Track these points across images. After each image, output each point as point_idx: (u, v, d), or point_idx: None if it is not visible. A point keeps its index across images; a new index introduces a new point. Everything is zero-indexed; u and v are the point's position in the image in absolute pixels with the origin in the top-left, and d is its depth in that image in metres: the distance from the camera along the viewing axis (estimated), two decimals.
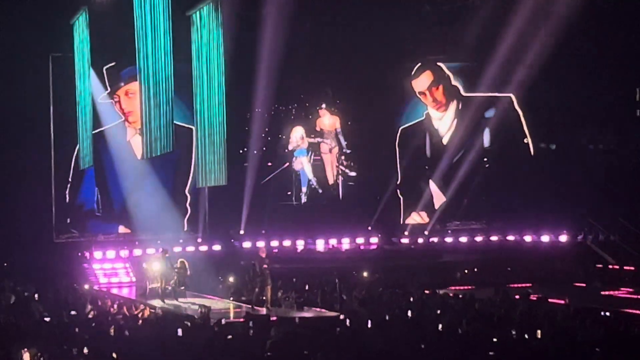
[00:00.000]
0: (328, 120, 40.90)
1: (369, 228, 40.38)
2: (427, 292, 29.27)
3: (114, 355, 18.23)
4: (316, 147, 40.84)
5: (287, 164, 40.38)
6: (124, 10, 29.63)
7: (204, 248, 36.96)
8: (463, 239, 40.13)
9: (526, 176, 40.39)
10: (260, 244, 35.64)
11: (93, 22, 31.84)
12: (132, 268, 35.76)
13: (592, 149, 40.14)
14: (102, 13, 32.63)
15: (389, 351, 18.07)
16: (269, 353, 18.17)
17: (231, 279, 31.44)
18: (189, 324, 23.52)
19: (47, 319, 23.88)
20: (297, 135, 40.59)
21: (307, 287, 30.90)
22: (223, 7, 26.97)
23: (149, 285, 31.23)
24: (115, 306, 26.83)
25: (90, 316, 24.83)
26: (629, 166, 39.72)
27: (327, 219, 40.05)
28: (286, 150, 40.52)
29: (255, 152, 39.62)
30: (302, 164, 40.62)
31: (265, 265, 28.02)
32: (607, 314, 24.13)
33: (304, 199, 40.55)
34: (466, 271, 35.95)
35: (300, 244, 39.17)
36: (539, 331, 19.47)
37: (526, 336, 19.56)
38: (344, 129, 40.99)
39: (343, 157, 41.08)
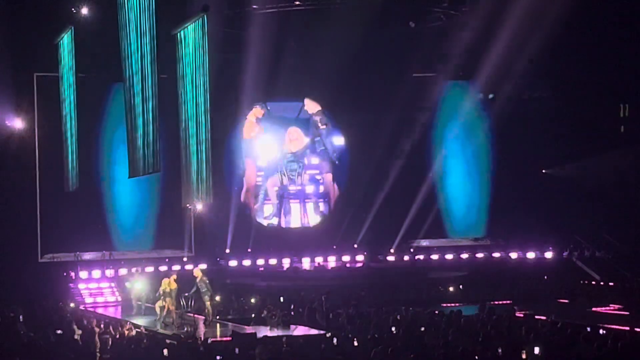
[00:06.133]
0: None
1: (355, 246, 40.43)
2: (412, 309, 29.24)
3: None
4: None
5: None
6: (110, 30, 29.63)
7: (189, 267, 36.86)
8: (449, 256, 40.18)
9: (512, 194, 40.48)
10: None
11: (78, 42, 31.82)
12: (117, 287, 35.68)
13: (577, 166, 40.20)
14: (87, 33, 32.60)
15: None
16: None
17: (217, 298, 31.35)
18: (175, 343, 23.46)
19: (33, 339, 23.77)
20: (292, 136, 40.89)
21: (292, 306, 30.85)
22: (208, 26, 26.96)
23: (136, 302, 31.50)
24: (102, 326, 26.71)
25: (76, 336, 24.72)
26: (614, 182, 39.84)
27: (313, 236, 40.23)
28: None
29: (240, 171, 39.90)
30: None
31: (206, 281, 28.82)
32: (593, 329, 24.16)
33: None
34: (451, 288, 35.94)
35: (286, 262, 39.17)
36: (523, 352, 19.46)
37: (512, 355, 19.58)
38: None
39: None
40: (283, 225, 40.83)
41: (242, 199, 40.38)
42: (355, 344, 21.74)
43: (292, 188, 40.97)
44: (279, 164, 40.84)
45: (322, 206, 41.21)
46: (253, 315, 29.49)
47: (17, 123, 36.41)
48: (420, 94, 40.54)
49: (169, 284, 29.53)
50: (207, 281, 28.93)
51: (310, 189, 41.26)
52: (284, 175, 40.79)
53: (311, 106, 40.88)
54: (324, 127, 41.00)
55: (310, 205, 41.27)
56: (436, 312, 28.01)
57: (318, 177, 41.53)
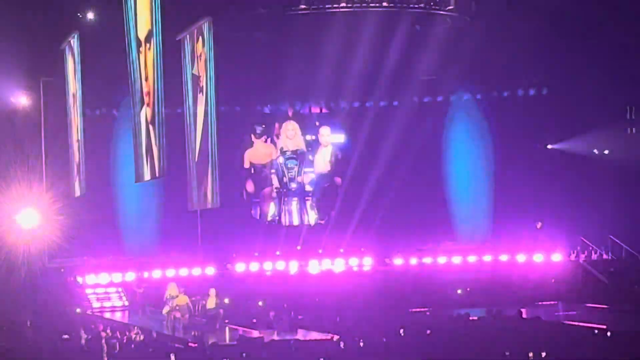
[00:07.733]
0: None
1: (362, 249, 40.34)
2: (419, 312, 29.24)
3: None
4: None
5: None
6: (115, 35, 29.70)
7: (197, 271, 36.84)
8: (456, 260, 40.03)
9: (519, 195, 40.38)
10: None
11: (84, 47, 31.88)
12: (125, 292, 35.66)
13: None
14: (93, 37, 32.67)
15: None
16: None
17: (226, 300, 31.40)
18: (182, 347, 23.49)
19: (40, 344, 23.81)
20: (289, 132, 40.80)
21: (292, 313, 30.77)
22: (213, 30, 27.01)
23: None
24: (108, 330, 26.76)
25: (83, 341, 24.75)
26: (621, 184, 39.71)
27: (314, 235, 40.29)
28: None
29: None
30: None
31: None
32: (601, 332, 24.13)
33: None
34: (459, 291, 35.90)
35: (293, 266, 39.08)
36: (530, 354, 19.48)
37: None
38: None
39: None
40: (284, 223, 40.81)
41: (244, 197, 40.45)
42: (362, 346, 21.76)
43: (292, 186, 40.94)
44: (278, 161, 40.80)
45: (322, 205, 41.16)
46: (259, 319, 29.54)
47: (23, 128, 36.43)
48: (426, 96, 40.50)
49: (178, 297, 29.61)
50: (218, 302, 29.49)
51: (309, 187, 41.23)
52: (284, 173, 40.78)
53: (326, 136, 41.07)
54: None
55: (309, 204, 41.22)
56: (443, 315, 28.02)
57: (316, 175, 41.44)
